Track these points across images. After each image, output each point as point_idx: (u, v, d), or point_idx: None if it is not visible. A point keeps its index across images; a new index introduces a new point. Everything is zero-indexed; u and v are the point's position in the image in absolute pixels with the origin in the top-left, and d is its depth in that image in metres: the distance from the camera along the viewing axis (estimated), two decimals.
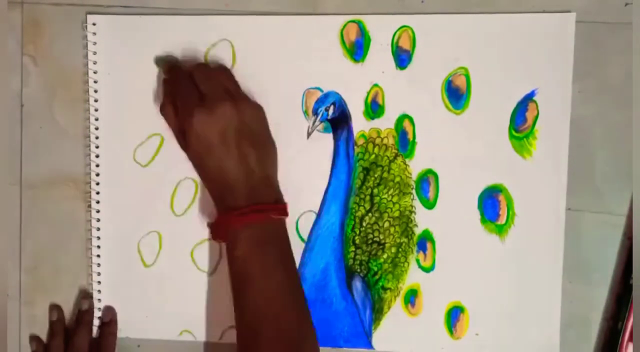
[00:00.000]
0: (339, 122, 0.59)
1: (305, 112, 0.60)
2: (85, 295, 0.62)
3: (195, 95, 0.54)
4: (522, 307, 0.59)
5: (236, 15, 0.60)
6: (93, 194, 0.61)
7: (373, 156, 0.59)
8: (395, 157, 0.59)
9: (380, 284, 0.60)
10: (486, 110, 0.58)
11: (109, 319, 0.61)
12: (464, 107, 0.59)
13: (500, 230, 0.59)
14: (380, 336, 0.60)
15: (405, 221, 0.60)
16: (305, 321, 0.53)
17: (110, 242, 0.62)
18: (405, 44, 0.59)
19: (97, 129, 0.61)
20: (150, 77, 0.60)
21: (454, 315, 0.60)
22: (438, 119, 0.59)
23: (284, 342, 0.51)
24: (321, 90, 0.59)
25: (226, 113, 0.53)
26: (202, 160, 0.54)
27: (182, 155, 0.60)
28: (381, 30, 0.59)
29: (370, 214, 0.60)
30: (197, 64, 0.57)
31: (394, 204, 0.60)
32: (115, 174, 0.61)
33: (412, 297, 0.60)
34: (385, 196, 0.60)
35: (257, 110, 0.56)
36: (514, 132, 0.58)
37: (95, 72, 0.60)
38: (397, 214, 0.60)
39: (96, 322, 0.62)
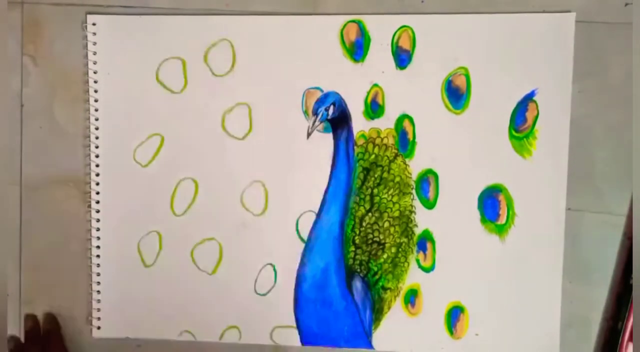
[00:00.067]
0: (339, 122, 0.59)
1: (305, 112, 0.60)
2: (27, 315, 0.62)
3: None
4: (522, 307, 0.59)
5: (236, 15, 0.60)
6: (93, 194, 0.61)
7: (373, 156, 0.59)
8: (395, 157, 0.59)
9: (380, 284, 0.60)
10: (486, 110, 0.58)
11: (50, 326, 0.62)
12: (464, 107, 0.59)
13: (500, 230, 0.59)
14: (380, 335, 0.60)
15: (405, 221, 0.60)
16: None
17: (110, 242, 0.62)
18: (405, 43, 0.59)
19: (97, 129, 0.61)
20: (150, 77, 0.60)
21: (454, 315, 0.60)
22: (438, 119, 0.59)
23: None
24: (321, 90, 0.59)
25: None
26: None
27: (182, 155, 0.60)
28: (381, 30, 0.59)
29: (370, 214, 0.60)
30: None
31: (394, 204, 0.60)
32: (115, 174, 0.61)
33: (412, 297, 0.60)
34: (385, 195, 0.60)
35: None
36: (514, 132, 0.58)
37: (95, 72, 0.60)
38: (397, 214, 0.60)
39: (95, 322, 0.62)
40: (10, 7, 0.61)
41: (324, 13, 0.59)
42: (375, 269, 0.60)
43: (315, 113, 0.59)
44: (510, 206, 0.59)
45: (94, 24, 0.60)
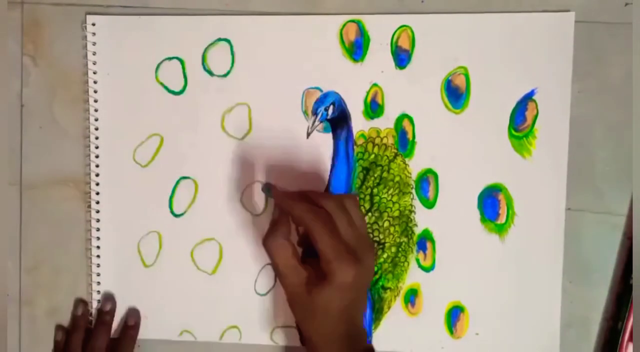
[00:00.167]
0: (338, 122, 0.59)
1: (305, 112, 0.60)
2: (108, 297, 0.62)
3: (342, 241, 0.49)
4: (522, 307, 0.59)
5: (236, 15, 0.60)
6: (93, 194, 0.61)
7: (373, 156, 0.59)
8: (394, 157, 0.59)
9: (380, 283, 0.60)
10: (486, 109, 0.58)
11: (133, 323, 0.61)
12: (464, 107, 0.59)
13: (500, 229, 0.59)
14: (380, 335, 0.60)
15: (405, 221, 0.60)
16: None
17: (110, 242, 0.62)
18: (404, 43, 0.59)
19: (97, 129, 0.61)
20: (150, 77, 0.60)
21: (454, 315, 0.60)
22: (438, 119, 0.59)
23: None
24: (321, 90, 0.59)
25: (371, 270, 0.51)
26: (323, 311, 0.49)
27: (182, 155, 0.60)
28: (380, 30, 0.59)
29: (370, 214, 0.60)
30: (329, 197, 0.51)
31: (393, 203, 0.60)
32: (115, 174, 0.61)
33: (412, 296, 0.60)
34: (385, 195, 0.60)
35: (374, 253, 0.55)
36: (513, 132, 0.58)
37: (95, 72, 0.61)
38: (396, 213, 0.60)
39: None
40: (10, 7, 0.61)
41: (323, 13, 0.59)
42: (375, 268, 0.60)
43: (315, 113, 0.59)
44: (510, 206, 0.59)
45: (93, 24, 0.60)
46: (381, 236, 0.60)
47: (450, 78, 0.59)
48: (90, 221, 0.62)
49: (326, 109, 0.59)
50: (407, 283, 0.60)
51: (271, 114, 0.60)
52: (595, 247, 0.59)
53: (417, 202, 0.60)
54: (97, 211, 0.61)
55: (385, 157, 0.59)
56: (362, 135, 0.59)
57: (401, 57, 0.59)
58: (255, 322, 0.61)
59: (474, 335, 0.60)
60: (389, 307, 0.60)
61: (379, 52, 0.59)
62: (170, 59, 0.60)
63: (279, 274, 0.50)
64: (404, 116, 0.59)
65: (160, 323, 0.62)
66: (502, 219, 0.59)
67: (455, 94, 0.59)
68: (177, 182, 0.61)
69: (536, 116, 0.58)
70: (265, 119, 0.60)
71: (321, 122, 0.59)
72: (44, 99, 0.62)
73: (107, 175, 0.61)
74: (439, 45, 0.58)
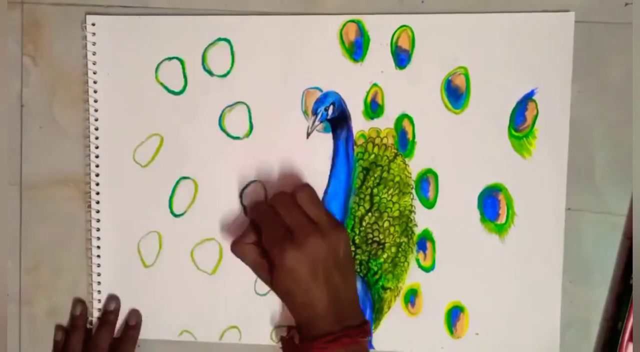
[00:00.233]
0: (338, 122, 0.59)
1: (305, 112, 0.60)
2: (112, 296, 0.62)
3: (282, 230, 0.52)
4: (522, 307, 0.59)
5: (235, 15, 0.60)
6: (93, 194, 0.61)
7: (373, 156, 0.59)
8: (394, 157, 0.59)
9: (380, 283, 0.60)
10: (486, 109, 0.58)
11: (134, 323, 0.61)
12: (464, 107, 0.59)
13: (500, 229, 0.59)
14: (380, 335, 0.60)
15: (405, 221, 0.60)
16: None
17: (110, 242, 0.62)
18: (404, 43, 0.59)
19: (97, 129, 0.61)
20: (150, 77, 0.60)
21: (454, 315, 0.60)
22: (437, 119, 0.59)
23: None
24: (320, 90, 0.59)
25: (317, 247, 0.51)
26: (290, 294, 0.53)
27: (182, 155, 0.60)
28: (380, 30, 0.59)
29: (370, 214, 0.60)
30: (277, 194, 0.55)
31: (393, 203, 0.60)
32: (115, 174, 0.61)
33: (412, 296, 0.60)
34: (385, 195, 0.60)
35: (342, 233, 0.54)
36: (513, 132, 0.58)
37: (94, 73, 0.61)
38: (396, 213, 0.60)
39: (95, 323, 0.62)
40: (10, 7, 0.61)
41: (323, 13, 0.59)
42: (375, 268, 0.60)
43: (315, 113, 0.59)
44: (510, 206, 0.59)
45: (93, 24, 0.60)
46: (381, 236, 0.60)
47: (450, 78, 0.59)
48: (90, 221, 0.62)
49: (326, 109, 0.59)
50: (407, 283, 0.60)
51: (271, 114, 0.60)
52: (595, 247, 0.59)
53: (417, 202, 0.60)
54: (97, 211, 0.61)
55: (385, 157, 0.59)
56: (362, 135, 0.59)
57: (401, 57, 0.59)
58: (255, 322, 0.61)
59: (474, 335, 0.60)
60: (389, 307, 0.60)
61: (379, 52, 0.59)
62: (170, 59, 0.60)
63: (255, 273, 0.56)
64: (404, 116, 0.59)
65: (160, 323, 0.62)
66: (502, 219, 0.59)
67: (455, 94, 0.59)
68: (177, 182, 0.61)
69: (536, 116, 0.58)
70: (265, 119, 0.60)
71: (321, 122, 0.59)
72: (44, 99, 0.62)
73: (107, 175, 0.61)
74: (439, 45, 0.58)
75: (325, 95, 0.59)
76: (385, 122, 0.59)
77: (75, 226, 0.62)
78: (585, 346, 0.60)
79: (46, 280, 0.63)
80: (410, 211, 0.60)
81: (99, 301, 0.62)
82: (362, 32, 0.59)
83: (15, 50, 0.61)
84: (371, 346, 0.60)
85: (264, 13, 0.59)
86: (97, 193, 0.61)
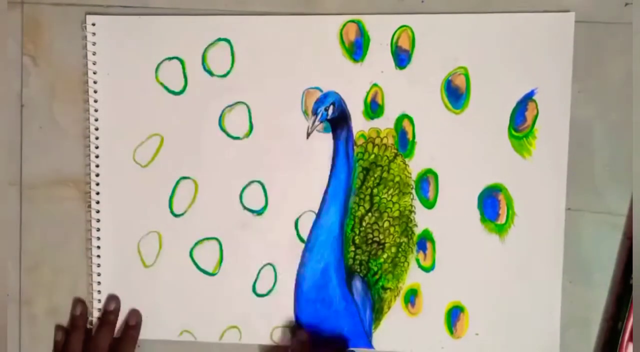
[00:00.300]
0: (338, 122, 0.59)
1: (305, 112, 0.60)
2: (112, 296, 0.62)
3: None
4: (522, 307, 0.59)
5: (235, 15, 0.60)
6: (93, 194, 0.61)
7: (373, 156, 0.59)
8: (394, 157, 0.59)
9: (380, 283, 0.60)
10: (486, 109, 0.58)
11: (134, 323, 0.61)
12: (464, 107, 0.59)
13: (500, 229, 0.59)
14: (380, 335, 0.60)
15: (405, 221, 0.60)
16: None
17: (110, 242, 0.62)
18: (404, 43, 0.59)
19: (97, 129, 0.61)
20: (150, 77, 0.60)
21: (454, 315, 0.60)
22: (438, 119, 0.59)
23: None
24: (321, 90, 0.59)
25: None
26: None
27: (182, 155, 0.60)
28: (380, 30, 0.59)
29: (370, 214, 0.60)
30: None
31: (393, 203, 0.60)
32: (115, 174, 0.61)
33: (412, 296, 0.60)
34: (385, 195, 0.60)
35: None
36: (513, 132, 0.58)
37: (94, 73, 0.61)
38: (396, 213, 0.60)
39: (95, 323, 0.62)
40: (10, 7, 0.61)
41: (323, 13, 0.59)
42: (375, 268, 0.60)
43: (315, 113, 0.59)
44: (510, 206, 0.59)
45: (93, 24, 0.60)
46: (381, 236, 0.60)
47: (450, 78, 0.59)
48: (90, 221, 0.62)
49: (326, 109, 0.59)
50: (407, 283, 0.60)
51: (271, 114, 0.60)
52: (595, 247, 0.59)
53: (417, 202, 0.60)
54: (97, 211, 0.61)
55: (385, 157, 0.59)
56: (362, 135, 0.59)
57: (401, 57, 0.59)
58: (255, 322, 0.61)
59: (474, 335, 0.60)
60: (389, 307, 0.60)
61: (379, 52, 0.59)
62: (170, 59, 0.60)
63: None
64: (404, 116, 0.59)
65: (160, 323, 0.62)
66: (502, 219, 0.59)
67: (455, 94, 0.59)
68: (177, 182, 0.61)
69: (536, 116, 0.58)
70: (265, 119, 0.60)
71: (321, 122, 0.59)
72: (44, 99, 0.62)
73: (107, 175, 0.61)
74: (439, 45, 0.58)
75: (325, 95, 0.59)
76: (385, 122, 0.59)
77: (75, 226, 0.62)
78: (585, 346, 0.60)
79: (46, 280, 0.63)
80: (410, 211, 0.60)
81: (99, 301, 0.62)
82: (362, 32, 0.59)
83: (15, 50, 0.61)
84: (371, 346, 0.60)
85: (264, 13, 0.59)
86: (97, 193, 0.61)
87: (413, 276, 0.60)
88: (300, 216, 0.60)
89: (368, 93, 0.59)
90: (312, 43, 0.59)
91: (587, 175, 0.59)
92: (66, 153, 0.62)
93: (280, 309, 0.61)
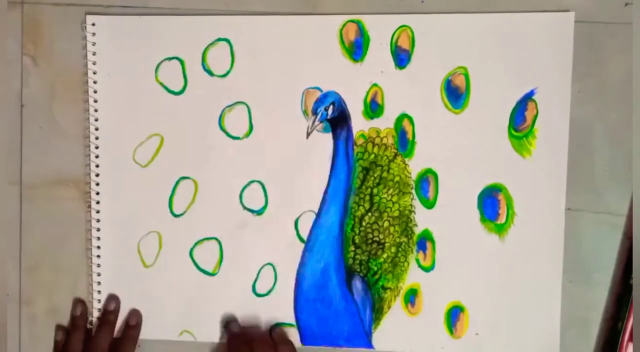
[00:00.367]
0: (338, 121, 0.59)
1: (305, 112, 0.60)
2: (112, 296, 0.62)
3: None
4: (522, 307, 0.59)
5: (235, 15, 0.60)
6: (93, 194, 0.61)
7: (372, 156, 0.59)
8: (394, 157, 0.59)
9: (380, 283, 0.60)
10: (485, 109, 0.58)
11: (135, 323, 0.61)
12: (464, 107, 0.59)
13: (500, 229, 0.59)
14: (380, 335, 0.60)
15: (405, 221, 0.60)
16: None
17: (110, 242, 0.62)
18: (404, 43, 0.59)
19: (97, 129, 0.61)
20: (150, 77, 0.60)
21: (454, 314, 0.60)
22: (437, 119, 0.59)
23: None
24: (320, 90, 0.59)
25: None
26: None
27: (182, 155, 0.60)
28: (380, 30, 0.59)
29: (369, 214, 0.60)
30: (259, 338, 0.59)
31: (393, 203, 0.60)
32: (115, 174, 0.61)
33: (412, 296, 0.60)
34: (385, 195, 0.60)
35: None
36: (513, 132, 0.58)
37: (94, 73, 0.61)
38: (396, 213, 0.60)
39: (95, 323, 0.62)
40: (10, 7, 0.61)
41: (323, 13, 0.59)
42: (375, 268, 0.60)
43: (315, 113, 0.59)
44: (509, 206, 0.59)
45: (93, 24, 0.60)
46: (381, 236, 0.60)
47: (450, 78, 0.59)
48: (90, 221, 0.62)
49: (326, 109, 0.59)
50: (407, 283, 0.60)
51: (271, 114, 0.60)
52: (595, 247, 0.59)
53: (417, 202, 0.60)
54: (97, 211, 0.61)
55: (385, 157, 0.59)
56: (362, 135, 0.59)
57: (401, 57, 0.59)
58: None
59: (474, 335, 0.60)
60: (389, 307, 0.60)
61: (379, 52, 0.59)
62: (170, 59, 0.60)
63: None
64: (404, 116, 0.59)
65: (160, 323, 0.62)
66: (502, 219, 0.59)
67: (455, 94, 0.59)
68: (177, 182, 0.61)
69: (536, 116, 0.58)
70: (265, 119, 0.60)
71: (321, 122, 0.59)
72: (44, 99, 0.62)
73: (107, 175, 0.61)
74: (439, 45, 0.58)
75: (325, 95, 0.59)
76: (385, 122, 0.59)
77: (75, 226, 0.62)
78: (585, 346, 0.60)
79: (46, 280, 0.63)
80: (410, 211, 0.60)
81: (99, 301, 0.62)
82: (362, 32, 0.59)
83: (15, 50, 0.61)
84: (371, 346, 0.60)
85: (264, 13, 0.59)
86: (97, 193, 0.61)
87: (413, 276, 0.60)
88: (300, 216, 0.60)
89: (368, 93, 0.59)
90: (312, 43, 0.59)
91: (587, 175, 0.59)
92: (66, 153, 0.62)
93: (280, 309, 0.61)
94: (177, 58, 0.60)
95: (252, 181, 0.60)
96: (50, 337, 0.63)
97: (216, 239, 0.61)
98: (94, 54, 0.60)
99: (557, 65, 0.58)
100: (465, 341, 0.60)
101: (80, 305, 0.62)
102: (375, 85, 0.59)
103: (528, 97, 0.58)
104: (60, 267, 0.62)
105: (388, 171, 0.59)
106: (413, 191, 0.59)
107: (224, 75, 0.60)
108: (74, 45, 0.61)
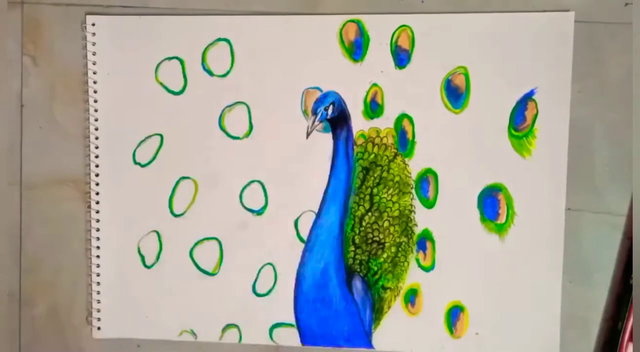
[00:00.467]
0: (338, 121, 0.59)
1: (305, 112, 0.60)
2: None
3: None
4: (522, 307, 0.59)
5: (235, 15, 0.60)
6: (93, 194, 0.61)
7: (372, 156, 0.59)
8: (394, 157, 0.59)
9: (380, 283, 0.60)
10: (485, 109, 0.58)
11: None
12: (463, 107, 0.59)
13: (500, 229, 0.59)
14: (380, 335, 0.60)
15: (405, 220, 0.60)
16: None
17: (110, 242, 0.62)
18: (404, 43, 0.59)
19: (97, 129, 0.61)
20: (149, 77, 0.60)
21: (454, 314, 0.60)
22: (437, 118, 0.59)
23: None
24: (320, 90, 0.59)
25: None
26: None
27: (182, 155, 0.60)
28: (380, 30, 0.59)
29: (369, 214, 0.60)
30: None
31: (393, 203, 0.60)
32: (115, 174, 0.61)
33: (412, 296, 0.60)
34: (385, 195, 0.60)
35: None
36: (513, 131, 0.58)
37: (94, 73, 0.61)
38: (396, 213, 0.60)
39: (95, 322, 0.62)
40: (10, 7, 0.61)
41: (323, 13, 0.59)
42: (375, 268, 0.60)
43: (315, 113, 0.59)
44: (509, 205, 0.59)
45: (93, 24, 0.60)
46: (381, 236, 0.60)
47: (450, 78, 0.59)
48: (90, 221, 0.62)
49: (326, 109, 0.59)
50: (407, 283, 0.60)
51: (271, 114, 0.60)
52: (595, 247, 0.59)
53: (417, 202, 0.60)
54: (97, 211, 0.61)
55: (385, 157, 0.59)
56: (362, 135, 0.59)
57: (401, 57, 0.59)
58: (255, 322, 0.61)
59: (474, 335, 0.60)
60: (389, 307, 0.60)
61: (379, 52, 0.59)
62: (170, 59, 0.60)
63: None
64: (404, 116, 0.59)
65: (160, 323, 0.62)
66: (502, 219, 0.59)
67: (455, 93, 0.59)
68: (177, 182, 0.61)
69: (536, 116, 0.58)
70: (265, 119, 0.60)
71: (321, 122, 0.59)
72: (44, 99, 0.62)
73: (107, 175, 0.61)
74: (439, 45, 0.58)
75: (325, 95, 0.59)
76: (385, 122, 0.59)
77: (75, 226, 0.62)
78: (585, 346, 0.60)
79: (46, 280, 0.63)
80: (410, 211, 0.60)
81: (99, 301, 0.62)
82: (362, 32, 0.59)
83: (15, 50, 0.61)
84: (371, 346, 0.60)
85: (264, 13, 0.59)
86: (97, 193, 0.61)
87: (413, 276, 0.60)
88: (300, 216, 0.60)
89: (368, 93, 0.59)
90: (312, 43, 0.59)
91: (587, 175, 0.59)
92: (66, 153, 0.62)
93: (280, 309, 0.61)
94: (177, 58, 0.60)
95: (252, 181, 0.60)
96: (50, 337, 0.63)
97: (216, 239, 0.61)
98: (94, 54, 0.60)
99: (557, 65, 0.58)
100: (465, 340, 0.60)
101: None
102: (375, 85, 0.59)
103: (528, 97, 0.58)
104: (60, 267, 0.63)
105: (388, 171, 0.59)
106: (413, 191, 0.59)
107: (224, 75, 0.60)
108: (74, 45, 0.61)
